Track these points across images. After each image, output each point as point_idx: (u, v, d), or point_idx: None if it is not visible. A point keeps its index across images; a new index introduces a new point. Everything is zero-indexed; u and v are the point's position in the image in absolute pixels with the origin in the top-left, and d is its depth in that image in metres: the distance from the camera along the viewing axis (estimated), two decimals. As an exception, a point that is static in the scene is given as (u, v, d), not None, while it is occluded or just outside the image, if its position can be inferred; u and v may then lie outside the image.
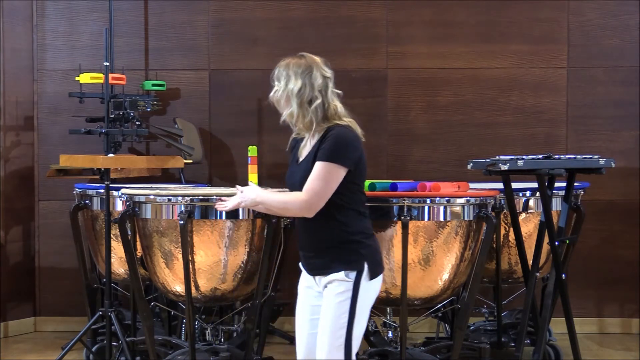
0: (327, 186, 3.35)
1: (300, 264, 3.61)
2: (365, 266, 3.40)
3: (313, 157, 3.41)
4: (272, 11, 6.41)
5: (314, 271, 3.50)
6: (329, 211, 3.40)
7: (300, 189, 3.41)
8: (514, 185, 4.95)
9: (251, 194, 3.55)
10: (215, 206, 3.90)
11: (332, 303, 3.38)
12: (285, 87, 3.46)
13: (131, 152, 6.31)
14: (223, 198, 3.83)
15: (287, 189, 3.64)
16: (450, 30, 6.39)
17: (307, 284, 3.56)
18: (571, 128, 6.37)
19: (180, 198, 4.58)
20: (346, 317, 3.35)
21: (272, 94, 3.52)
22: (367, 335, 5.13)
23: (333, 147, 3.36)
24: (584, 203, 5.41)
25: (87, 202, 5.38)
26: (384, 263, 3.97)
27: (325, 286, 3.44)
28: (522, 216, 5.14)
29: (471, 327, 5.45)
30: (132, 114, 5.70)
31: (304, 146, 3.53)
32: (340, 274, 3.37)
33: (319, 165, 3.37)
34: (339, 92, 3.54)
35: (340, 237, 3.40)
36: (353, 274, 3.37)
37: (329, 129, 3.42)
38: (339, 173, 3.37)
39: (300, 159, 3.51)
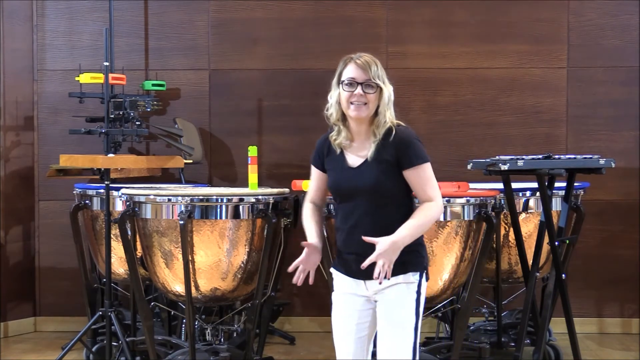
0: (436, 182, 3.32)
1: (334, 269, 3.42)
2: (425, 266, 3.34)
3: (390, 159, 3.28)
4: (272, 11, 6.40)
5: (369, 275, 3.20)
6: (400, 211, 3.29)
7: (371, 190, 3.26)
8: (514, 185, 4.95)
9: (390, 248, 3.16)
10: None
11: (397, 307, 3.27)
12: (388, 89, 3.42)
13: (131, 152, 6.31)
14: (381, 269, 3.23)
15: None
16: (450, 30, 6.38)
17: (350, 290, 3.36)
18: (571, 128, 6.37)
19: (180, 198, 4.58)
20: (414, 319, 3.27)
21: (375, 93, 3.37)
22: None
23: (418, 148, 3.31)
24: (584, 203, 5.41)
25: (87, 202, 5.37)
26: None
27: (380, 291, 3.29)
28: (522, 216, 5.14)
29: (471, 327, 5.45)
30: (132, 114, 5.70)
31: (350, 148, 3.36)
32: (407, 276, 3.27)
33: (420, 169, 3.28)
34: None
35: None
36: (417, 275, 3.30)
37: (392, 131, 3.34)
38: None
39: (358, 163, 3.33)
